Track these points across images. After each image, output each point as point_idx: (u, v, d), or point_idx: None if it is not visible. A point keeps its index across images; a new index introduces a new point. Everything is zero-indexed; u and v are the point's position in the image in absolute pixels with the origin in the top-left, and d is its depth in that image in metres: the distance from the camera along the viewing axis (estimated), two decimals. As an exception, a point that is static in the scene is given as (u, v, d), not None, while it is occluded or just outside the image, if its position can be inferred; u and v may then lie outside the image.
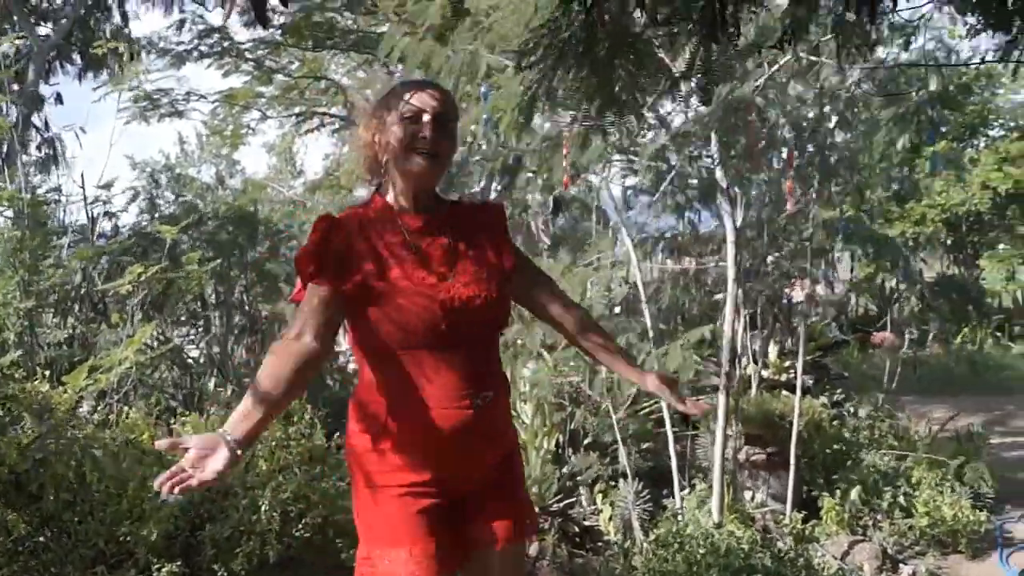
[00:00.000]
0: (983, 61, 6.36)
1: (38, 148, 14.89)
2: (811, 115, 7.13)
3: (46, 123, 15.29)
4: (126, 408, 6.17)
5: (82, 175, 13.64)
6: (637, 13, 3.39)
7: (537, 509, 6.40)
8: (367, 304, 2.73)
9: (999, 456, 8.42)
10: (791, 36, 3.69)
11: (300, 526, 5.04)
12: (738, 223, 6.38)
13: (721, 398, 6.27)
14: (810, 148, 7.17)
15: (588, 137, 5.97)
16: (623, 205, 7.56)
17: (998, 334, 17.77)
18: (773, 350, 8.64)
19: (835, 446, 7.52)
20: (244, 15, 11.28)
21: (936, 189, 18.09)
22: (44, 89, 14.95)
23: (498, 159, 7.52)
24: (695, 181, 7.35)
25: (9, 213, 7.79)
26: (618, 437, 6.74)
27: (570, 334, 3.16)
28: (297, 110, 15.77)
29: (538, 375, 6.90)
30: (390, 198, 2.87)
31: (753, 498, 7.00)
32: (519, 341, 7.06)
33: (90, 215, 8.88)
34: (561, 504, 6.69)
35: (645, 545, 5.90)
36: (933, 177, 17.53)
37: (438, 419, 2.73)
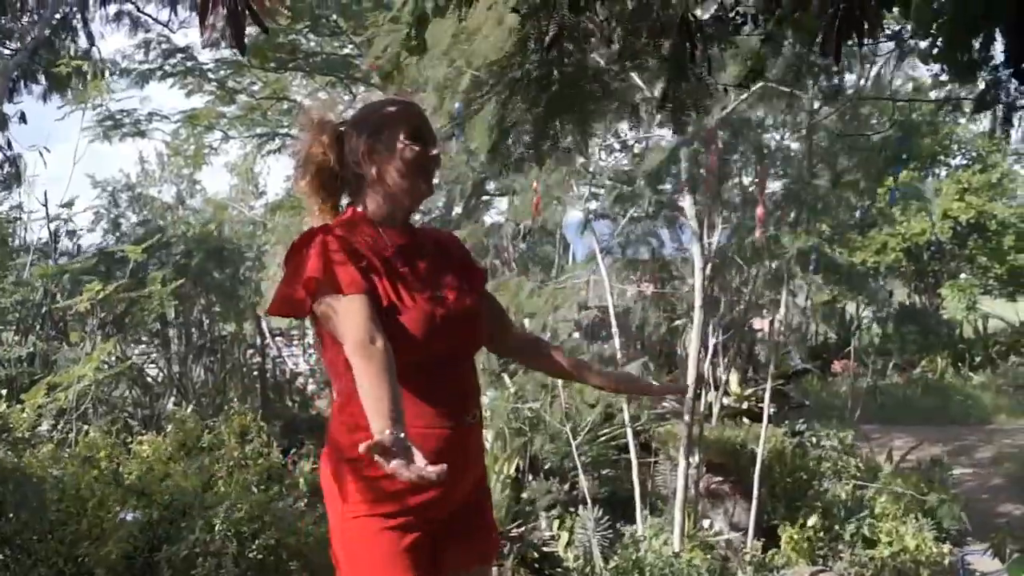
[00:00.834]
0: (946, 100, 6.42)
1: (0, 167, 14.81)
2: (775, 143, 7.20)
3: (9, 142, 15.22)
4: (86, 427, 6.13)
5: (45, 194, 13.58)
6: (603, 49, 3.40)
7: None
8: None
9: (962, 487, 8.47)
10: (755, 73, 3.71)
11: (254, 547, 4.99)
12: (706, 250, 6.41)
13: (683, 426, 6.28)
14: (778, 175, 7.23)
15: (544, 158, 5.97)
16: (583, 228, 7.56)
17: (959, 364, 17.90)
18: (734, 378, 8.67)
19: (796, 475, 7.54)
20: (222, 39, 11.24)
21: (896, 218, 18.23)
22: (7, 108, 14.90)
23: (466, 181, 7.52)
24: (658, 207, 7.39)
25: (-30, 231, 7.76)
26: (578, 463, 6.73)
27: (534, 357, 3.18)
28: (259, 131, 15.72)
29: (496, 403, 6.90)
30: (372, 215, 2.80)
31: (712, 526, 7.00)
32: (479, 365, 7.05)
33: (52, 233, 8.83)
34: (520, 530, 6.67)
35: (605, 572, 5.89)
36: (891, 207, 17.69)
37: (431, 438, 2.63)
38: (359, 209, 2.79)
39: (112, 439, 5.72)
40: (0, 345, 7.39)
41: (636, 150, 6.91)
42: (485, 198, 11.02)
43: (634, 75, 4.02)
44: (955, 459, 10.01)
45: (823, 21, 2.89)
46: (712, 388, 7.94)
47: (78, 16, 15.37)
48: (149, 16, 14.45)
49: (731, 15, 3.21)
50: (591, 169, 7.09)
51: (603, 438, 7.54)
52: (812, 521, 6.80)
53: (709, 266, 6.51)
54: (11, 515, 4.62)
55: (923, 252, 19.01)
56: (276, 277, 7.10)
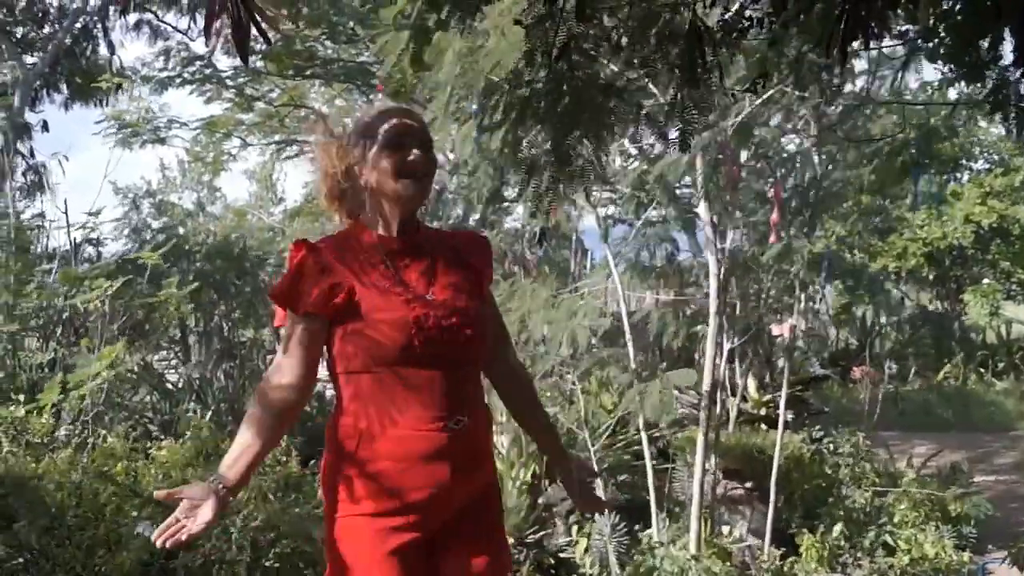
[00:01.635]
0: (957, 103, 6.40)
1: (23, 175, 14.94)
2: (792, 148, 7.18)
3: (31, 151, 15.37)
4: (103, 432, 6.17)
5: (65, 202, 13.69)
6: (612, 58, 3.40)
7: (512, 540, 6.39)
8: (344, 324, 2.73)
9: (983, 494, 8.41)
10: (763, 78, 3.70)
11: (270, 556, 5.01)
12: (721, 256, 6.40)
13: (700, 431, 6.27)
14: (792, 181, 7.20)
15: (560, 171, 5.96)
16: (602, 234, 7.55)
17: (982, 370, 17.77)
18: (752, 384, 8.65)
19: (815, 482, 7.51)
20: (227, 50, 11.32)
21: (917, 223, 18.14)
22: (30, 117, 15.03)
23: (481, 186, 7.52)
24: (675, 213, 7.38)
25: (-5, 238, 7.83)
26: (594, 469, 6.73)
27: (507, 394, 3.15)
28: (277, 137, 15.80)
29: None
30: (369, 222, 2.87)
31: (730, 533, 6.98)
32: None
33: (73, 241, 8.90)
34: (536, 535, 6.67)
35: (621, 578, 5.89)
36: (914, 212, 17.62)
37: (410, 442, 2.71)
38: (361, 217, 2.87)
39: (130, 444, 5.75)
40: (22, 351, 7.45)
41: (652, 155, 6.88)
42: (501, 205, 11.03)
43: (648, 83, 4.01)
44: (977, 466, 9.94)
45: (829, 23, 2.88)
46: (730, 394, 7.92)
47: (99, 26, 15.52)
48: (168, 25, 14.60)
49: (738, 19, 3.20)
50: (607, 174, 7.08)
51: (621, 443, 7.53)
52: (836, 531, 6.77)
53: (724, 271, 6.48)
54: (30, 520, 4.66)
55: (945, 257, 18.87)
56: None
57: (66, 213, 8.79)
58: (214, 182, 16.72)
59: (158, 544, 2.48)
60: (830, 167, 7.47)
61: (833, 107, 6.79)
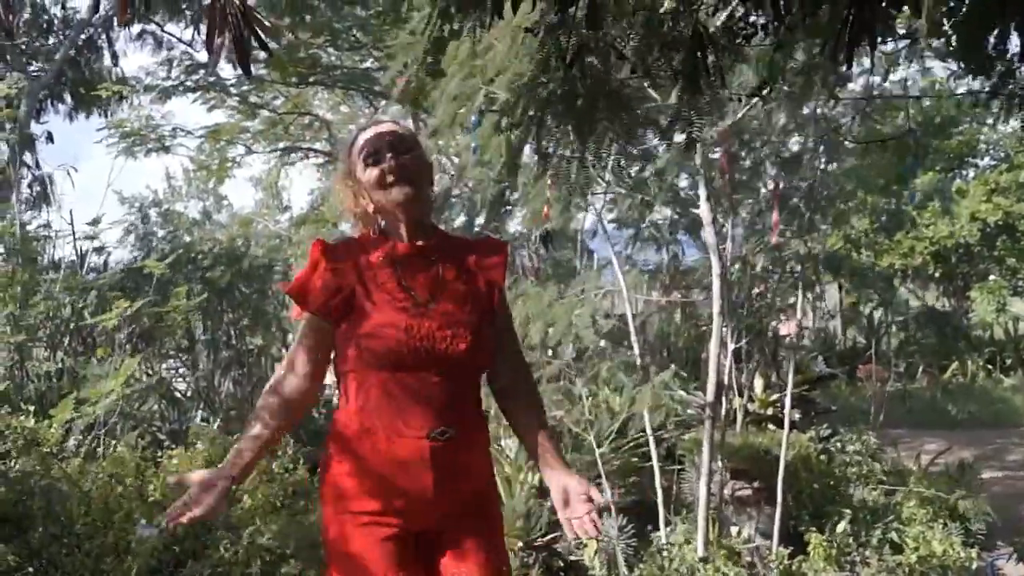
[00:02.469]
0: (964, 93, 6.41)
1: (29, 186, 14.98)
2: (795, 146, 7.18)
3: (37, 162, 15.41)
4: (113, 441, 6.19)
5: (71, 212, 13.74)
6: (619, 64, 3.42)
7: (521, 543, 6.40)
8: (345, 325, 2.82)
9: (991, 491, 8.40)
10: (769, 82, 3.73)
11: (282, 570, 5.02)
12: (724, 255, 6.40)
13: (707, 432, 6.27)
14: (796, 181, 7.20)
15: (573, 170, 5.98)
16: (604, 237, 7.56)
17: (989, 366, 17.75)
18: (758, 384, 8.64)
19: (823, 481, 7.50)
20: (229, 61, 11.37)
21: (923, 221, 18.13)
22: (35, 128, 15.08)
23: (484, 191, 7.54)
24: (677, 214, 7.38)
25: (0, 249, 7.84)
26: (601, 471, 6.73)
27: (508, 406, 3.12)
28: (282, 145, 15.82)
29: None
30: (387, 231, 2.94)
31: (739, 533, 6.97)
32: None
33: (79, 251, 8.93)
34: (545, 539, 6.67)
35: (629, 580, 5.89)
36: (920, 210, 17.60)
37: (392, 446, 2.76)
38: (379, 226, 2.94)
39: (140, 453, 5.77)
40: (30, 361, 7.48)
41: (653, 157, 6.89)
42: (506, 209, 11.05)
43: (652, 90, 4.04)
44: (986, 463, 9.93)
45: (834, 25, 2.90)
46: (736, 394, 7.91)
47: (103, 36, 15.57)
48: (171, 35, 14.63)
49: (742, 25, 3.23)
50: (607, 177, 7.09)
51: (628, 445, 7.53)
52: (841, 527, 6.77)
53: (727, 271, 6.49)
54: (39, 528, 4.69)
55: (951, 255, 18.85)
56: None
57: (72, 223, 8.83)
58: (219, 190, 16.78)
59: (168, 526, 2.70)
60: (831, 166, 7.46)
61: (837, 106, 6.80)
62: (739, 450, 7.25)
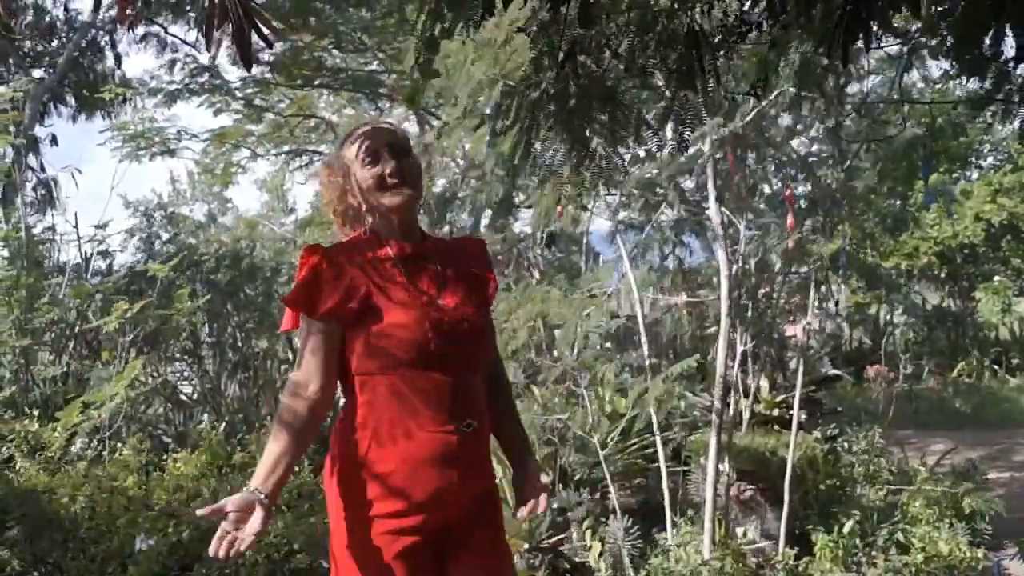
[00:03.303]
0: (960, 101, 6.39)
1: (33, 189, 15.00)
2: (802, 149, 7.16)
3: (41, 165, 15.42)
4: (118, 444, 6.18)
5: (76, 215, 13.75)
6: (612, 63, 3.41)
7: (527, 545, 6.39)
8: (360, 327, 2.78)
9: (997, 491, 8.36)
10: (763, 81, 3.72)
11: (286, 570, 5.02)
12: (733, 257, 6.38)
13: (713, 433, 6.26)
14: (805, 183, 7.19)
15: (578, 171, 5.97)
16: (611, 238, 7.55)
17: (995, 367, 17.72)
18: (764, 385, 8.61)
19: (829, 482, 7.48)
20: (232, 59, 11.37)
21: (928, 222, 18.13)
22: (39, 130, 15.08)
23: (491, 190, 7.53)
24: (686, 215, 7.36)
25: (5, 252, 7.84)
26: (607, 473, 6.72)
27: (491, 401, 3.09)
28: (287, 148, 15.83)
29: (525, 414, 6.88)
30: (377, 233, 2.92)
31: (745, 534, 6.96)
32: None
33: (84, 254, 8.92)
34: (551, 540, 6.66)
35: (635, 582, 5.88)
36: (924, 210, 17.59)
37: (420, 443, 2.75)
38: (367, 227, 2.91)
39: (144, 457, 5.77)
40: (35, 365, 7.47)
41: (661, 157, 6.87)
42: (512, 209, 11.05)
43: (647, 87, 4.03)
44: (993, 463, 9.90)
45: (830, 25, 2.89)
46: (742, 395, 7.89)
47: (106, 38, 15.58)
48: (176, 37, 14.63)
49: (737, 24, 3.22)
50: (617, 178, 7.07)
51: (634, 447, 7.52)
52: (848, 528, 6.75)
53: (736, 273, 6.47)
54: (43, 534, 4.68)
55: (956, 255, 18.84)
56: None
57: (76, 227, 8.83)
58: (224, 193, 16.79)
59: (221, 555, 2.58)
60: (841, 170, 7.44)
61: (841, 109, 6.79)
62: (745, 451, 7.23)
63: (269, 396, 8.93)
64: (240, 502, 2.63)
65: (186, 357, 9.46)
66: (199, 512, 2.64)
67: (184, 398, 8.66)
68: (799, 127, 6.96)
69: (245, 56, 2.56)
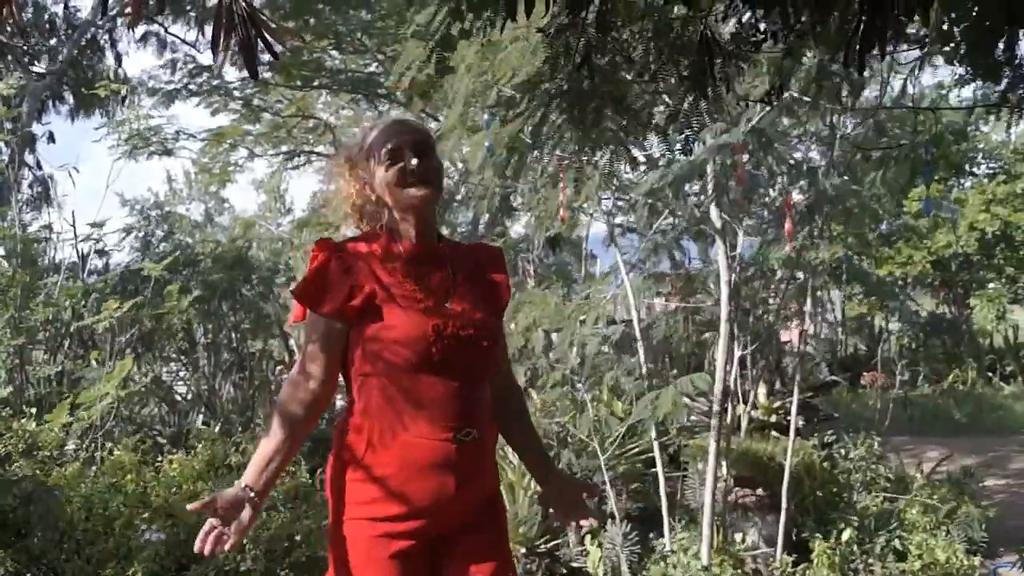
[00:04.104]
0: (975, 106, 6.38)
1: (30, 187, 14.97)
2: (802, 156, 7.16)
3: (38, 162, 15.39)
4: (112, 445, 6.16)
5: (72, 213, 13.71)
6: (627, 69, 3.41)
7: (524, 550, 6.37)
8: (363, 327, 2.74)
9: (993, 499, 8.37)
10: (778, 89, 3.71)
11: (285, 565, 5.00)
12: (732, 263, 6.38)
13: (712, 439, 6.24)
14: (803, 188, 7.18)
15: (582, 174, 5.96)
16: (610, 242, 7.54)
17: (990, 374, 17.77)
18: (762, 391, 8.61)
19: (826, 488, 7.48)
20: (234, 64, 11.34)
21: (924, 230, 18.18)
22: (36, 128, 15.05)
23: (489, 195, 7.51)
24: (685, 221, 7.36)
25: (0, 251, 7.81)
26: (606, 478, 6.70)
27: (501, 411, 3.06)
28: (285, 148, 15.80)
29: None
30: (390, 231, 2.88)
31: (743, 540, 6.95)
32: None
33: (80, 253, 8.89)
34: (548, 545, 6.65)
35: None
36: (920, 218, 17.62)
37: (417, 449, 2.71)
38: (382, 226, 2.88)
39: (139, 457, 5.74)
40: (29, 364, 7.44)
41: (662, 163, 6.87)
42: (511, 213, 11.04)
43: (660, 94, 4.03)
44: (988, 470, 9.92)
45: (845, 33, 2.87)
46: (740, 401, 7.88)
47: (106, 37, 15.56)
48: (176, 36, 14.61)
49: (751, 32, 3.21)
50: (616, 183, 7.07)
51: (632, 451, 7.51)
52: (846, 536, 6.74)
53: (735, 278, 6.46)
54: (38, 534, 4.65)
55: (950, 264, 18.90)
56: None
57: (73, 225, 8.80)
58: (221, 193, 16.75)
59: (206, 551, 2.59)
60: (843, 177, 7.43)
61: (853, 114, 6.78)
62: (743, 457, 7.23)
63: (265, 397, 8.92)
64: (230, 499, 2.64)
65: (181, 357, 9.44)
66: (189, 507, 2.63)
67: (179, 398, 8.64)
68: (800, 133, 6.95)
69: (251, 65, 2.54)
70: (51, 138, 15.85)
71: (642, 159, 6.49)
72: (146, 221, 10.68)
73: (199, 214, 14.97)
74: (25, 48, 14.81)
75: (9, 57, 13.55)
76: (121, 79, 14.41)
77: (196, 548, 2.58)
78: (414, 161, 2.79)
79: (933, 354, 17.97)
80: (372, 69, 13.63)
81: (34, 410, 5.93)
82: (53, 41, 15.64)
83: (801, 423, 7.69)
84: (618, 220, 8.23)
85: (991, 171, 20.32)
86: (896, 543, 6.82)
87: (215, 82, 13.45)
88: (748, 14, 3.27)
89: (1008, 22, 3.10)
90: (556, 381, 7.03)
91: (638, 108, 3.66)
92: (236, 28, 2.36)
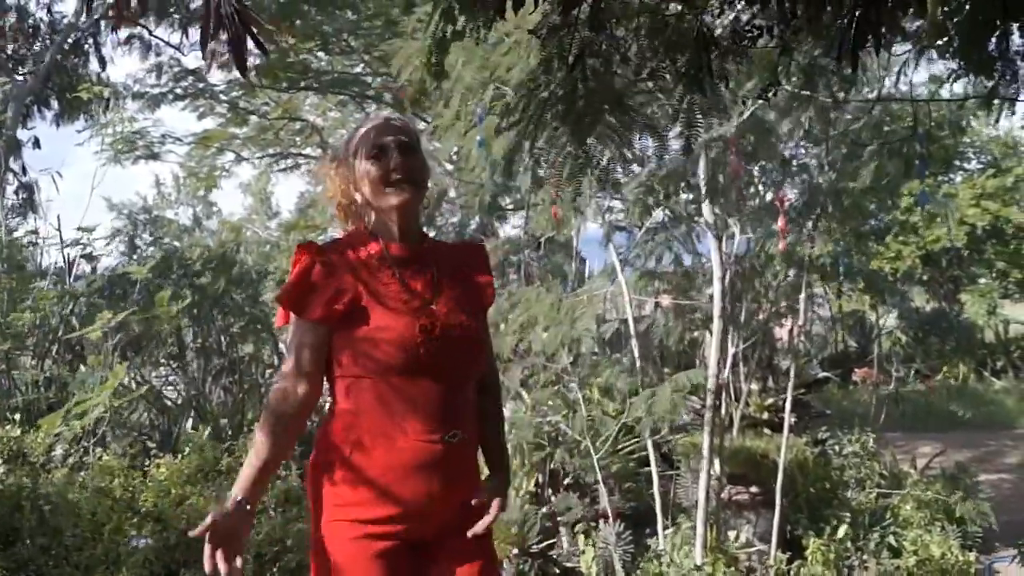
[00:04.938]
0: (967, 98, 6.36)
1: (15, 192, 14.90)
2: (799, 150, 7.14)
3: (23, 167, 15.32)
4: (100, 450, 6.12)
5: (58, 218, 13.69)
6: (622, 68, 3.39)
7: (517, 550, 6.34)
8: (348, 329, 2.71)
9: (987, 493, 8.35)
10: (774, 85, 3.70)
11: (275, 569, 4.97)
12: (726, 259, 6.35)
13: (705, 437, 6.22)
14: (797, 184, 7.17)
15: (574, 176, 5.94)
16: (604, 240, 7.52)
17: (981, 369, 17.80)
18: (754, 388, 8.58)
19: (819, 485, 7.46)
20: (222, 65, 11.32)
21: (914, 225, 18.19)
22: (21, 133, 14.99)
23: (482, 194, 7.49)
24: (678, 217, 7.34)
25: (-13, 257, 7.78)
26: (599, 477, 6.68)
27: (481, 409, 3.01)
28: (271, 151, 15.78)
29: (517, 415, 6.85)
30: (375, 231, 2.85)
31: (737, 538, 6.92)
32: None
33: (66, 258, 8.85)
34: (541, 545, 6.62)
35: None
36: (912, 213, 17.63)
37: (404, 451, 2.69)
38: (366, 226, 2.85)
39: (128, 462, 5.71)
40: (17, 370, 7.40)
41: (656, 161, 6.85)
42: (501, 213, 11.02)
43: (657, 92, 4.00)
44: (980, 465, 9.91)
45: (839, 27, 2.85)
46: (733, 398, 7.86)
47: (90, 41, 15.49)
48: (160, 39, 14.54)
49: (747, 28, 3.19)
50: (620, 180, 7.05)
51: (624, 450, 7.49)
52: (841, 533, 6.72)
53: (728, 275, 6.44)
54: (27, 540, 4.62)
55: (940, 258, 18.92)
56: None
57: (59, 230, 8.76)
58: (209, 197, 16.73)
59: (221, 569, 2.57)
60: (835, 173, 7.41)
61: (843, 110, 6.77)
62: (736, 454, 7.21)
63: (255, 401, 8.88)
64: (232, 524, 2.62)
65: (171, 362, 9.40)
66: (192, 533, 2.60)
67: (169, 403, 8.59)
68: (793, 128, 6.92)
69: (240, 62, 2.51)
70: (36, 144, 15.78)
71: (637, 154, 6.46)
72: (133, 225, 10.65)
73: (187, 218, 14.95)
74: (9, 53, 14.75)
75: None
76: (105, 83, 14.35)
77: (208, 570, 2.56)
78: (398, 160, 2.77)
79: (930, 350, 17.97)
80: (359, 70, 13.60)
81: (20, 416, 5.89)
82: (37, 47, 15.56)
83: (794, 420, 7.68)
84: (611, 218, 8.18)
85: (981, 165, 20.34)
86: (891, 539, 6.80)
87: (201, 85, 13.41)
88: (744, 9, 3.26)
89: (1002, 15, 3.08)
90: (548, 380, 7.00)
91: (635, 108, 3.63)
92: (225, 25, 2.33)
